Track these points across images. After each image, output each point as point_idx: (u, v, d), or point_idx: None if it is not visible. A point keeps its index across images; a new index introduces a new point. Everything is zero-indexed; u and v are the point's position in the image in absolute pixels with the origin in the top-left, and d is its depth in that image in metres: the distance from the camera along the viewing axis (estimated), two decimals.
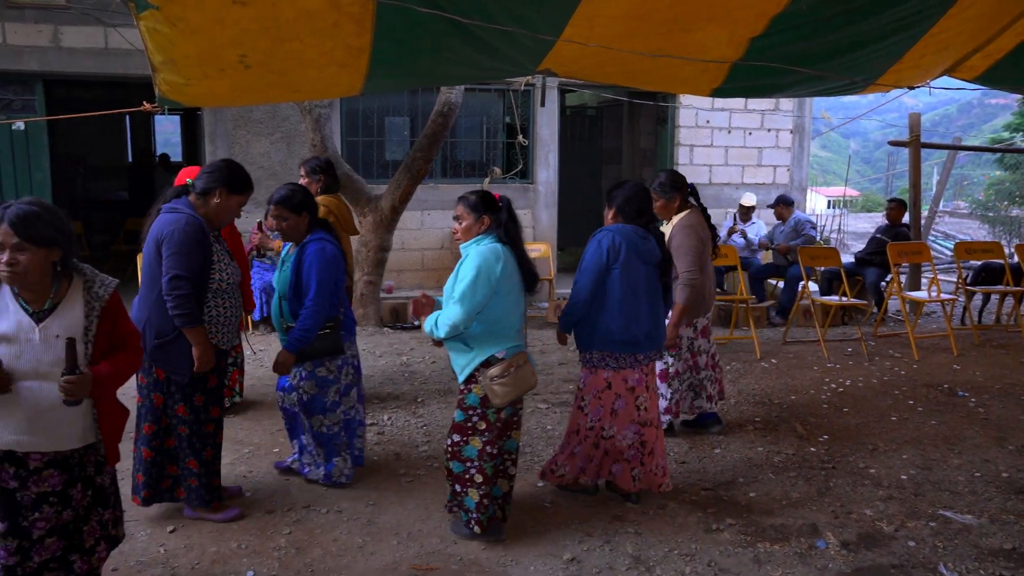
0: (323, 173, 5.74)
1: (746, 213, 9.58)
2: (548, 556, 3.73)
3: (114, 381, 2.90)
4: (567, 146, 11.56)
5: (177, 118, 17.43)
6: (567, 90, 11.31)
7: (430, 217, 10.34)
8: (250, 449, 5.02)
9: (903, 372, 7.02)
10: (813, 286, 8.67)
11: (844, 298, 8.18)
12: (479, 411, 3.75)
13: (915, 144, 9.57)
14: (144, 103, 4.92)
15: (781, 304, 8.99)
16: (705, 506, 4.27)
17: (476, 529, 3.79)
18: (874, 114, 14.61)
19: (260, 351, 6.89)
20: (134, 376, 3.51)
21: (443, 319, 3.65)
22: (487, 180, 10.40)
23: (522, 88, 10.33)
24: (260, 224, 5.92)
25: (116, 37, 9.07)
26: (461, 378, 3.76)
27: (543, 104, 9.83)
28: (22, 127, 9.26)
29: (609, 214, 4.25)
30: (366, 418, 4.87)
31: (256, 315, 8.42)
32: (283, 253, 4.42)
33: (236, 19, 3.48)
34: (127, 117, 16.22)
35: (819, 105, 12.00)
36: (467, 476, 3.78)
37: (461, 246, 3.80)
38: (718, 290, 8.96)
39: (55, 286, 2.81)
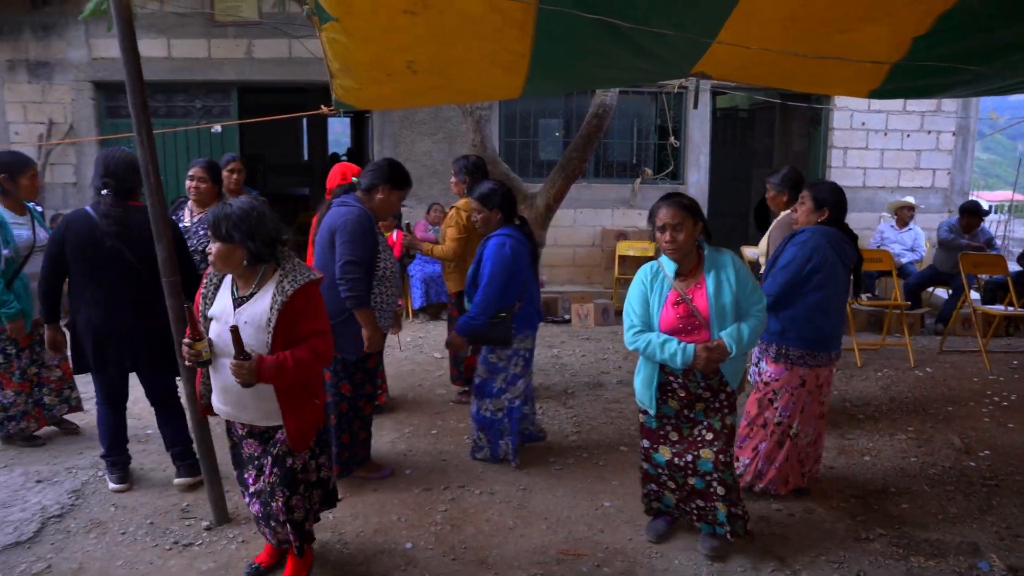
0: (470, 174, 5.57)
1: (903, 217, 8.91)
2: (692, 551, 3.59)
3: (278, 373, 2.90)
4: (717, 148, 11.19)
5: (347, 120, 18.16)
6: (719, 93, 10.95)
7: (582, 215, 10.27)
8: (410, 429, 5.13)
9: None
10: (975, 295, 7.96)
11: (1011, 308, 7.45)
12: (737, 412, 3.57)
13: None
14: (322, 106, 5.11)
15: (943, 312, 8.31)
16: (854, 514, 3.99)
17: (731, 539, 3.53)
18: None
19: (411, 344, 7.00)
20: None
21: (758, 326, 3.38)
22: (638, 180, 10.24)
23: (675, 91, 10.09)
24: (408, 225, 5.96)
25: (299, 48, 9.54)
26: (737, 381, 3.46)
27: (696, 106, 9.56)
28: (219, 130, 9.89)
29: (806, 210, 4.14)
30: (532, 409, 4.85)
31: (416, 303, 8.70)
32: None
33: (406, 27, 3.52)
34: (304, 119, 17.05)
35: (986, 105, 10.98)
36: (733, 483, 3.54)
37: (708, 254, 3.45)
38: (868, 295, 8.47)
39: (259, 276, 3.00)
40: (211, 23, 9.63)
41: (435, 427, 5.14)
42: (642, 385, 3.50)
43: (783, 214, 4.96)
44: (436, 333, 7.75)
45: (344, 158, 15.58)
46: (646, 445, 3.59)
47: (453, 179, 5.65)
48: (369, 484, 4.25)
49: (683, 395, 3.46)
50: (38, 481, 4.26)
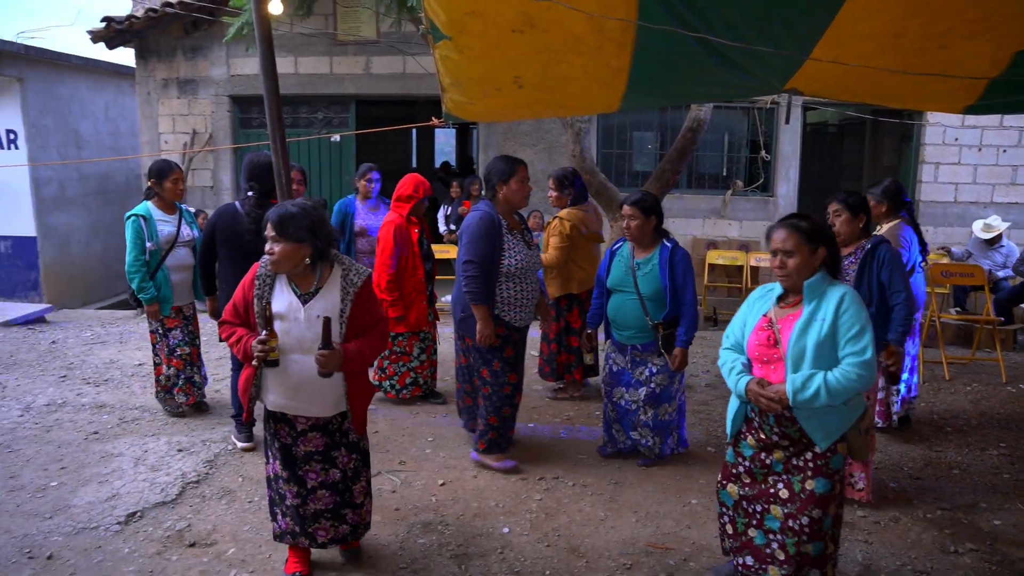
0: (572, 186, 5.60)
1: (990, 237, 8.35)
2: None
3: (360, 359, 3.03)
4: (807, 162, 10.89)
5: (453, 131, 18.50)
6: (810, 108, 10.65)
7: (674, 224, 10.17)
8: None
9: None
10: None
11: None
12: (841, 472, 2.93)
13: None
14: (433, 118, 5.29)
15: None
16: (941, 526, 3.84)
17: None
18: None
19: None
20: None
21: (845, 382, 2.71)
22: (729, 192, 10.09)
23: (767, 106, 9.89)
24: None
25: (412, 64, 9.81)
26: (827, 443, 2.84)
27: (787, 122, 9.33)
28: (338, 139, 10.29)
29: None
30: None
31: None
32: (618, 254, 4.43)
33: (514, 45, 3.61)
34: (413, 130, 17.46)
35: None
36: (826, 552, 2.91)
37: (812, 284, 2.87)
38: (957, 308, 8.08)
39: (318, 273, 3.04)
40: (334, 42, 10.03)
41: (531, 420, 5.22)
42: (729, 410, 3.12)
43: (886, 226, 4.91)
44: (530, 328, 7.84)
45: (454, 168, 15.86)
46: (719, 478, 3.16)
47: (553, 193, 5.63)
48: (470, 471, 4.37)
49: (761, 436, 2.97)
50: (179, 450, 4.57)
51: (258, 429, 4.54)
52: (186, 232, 5.08)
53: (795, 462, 2.90)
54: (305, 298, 3.01)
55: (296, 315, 2.98)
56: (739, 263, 9.93)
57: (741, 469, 3.04)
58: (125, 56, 10.94)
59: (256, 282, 3.02)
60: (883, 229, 4.90)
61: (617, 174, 10.04)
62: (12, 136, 10.44)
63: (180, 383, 5.14)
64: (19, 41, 10.15)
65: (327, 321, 2.90)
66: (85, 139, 11.52)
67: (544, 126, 9.98)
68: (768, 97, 9.32)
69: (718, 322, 9.69)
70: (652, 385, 4.30)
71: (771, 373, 2.89)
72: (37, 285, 10.81)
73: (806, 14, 3.36)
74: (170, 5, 9.73)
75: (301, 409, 3.09)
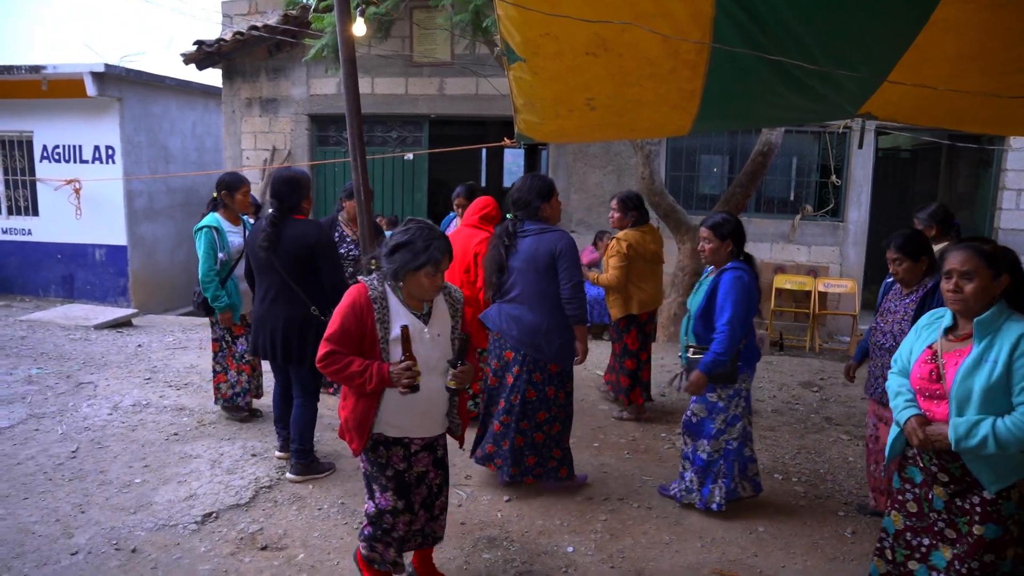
0: (636, 209, 5.59)
1: None
2: None
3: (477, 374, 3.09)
4: (879, 187, 10.59)
5: (521, 152, 18.58)
6: (883, 132, 10.37)
7: None
8: (574, 440, 4.97)
9: None
10: None
11: None
12: (1016, 516, 2.61)
13: None
14: (504, 139, 5.32)
15: None
16: None
17: None
18: None
19: None
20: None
21: (1018, 432, 2.42)
22: (798, 216, 9.88)
23: (839, 130, 9.66)
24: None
25: (485, 85, 9.93)
26: (998, 487, 2.56)
27: (860, 146, 9.10)
28: (411, 158, 10.47)
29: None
30: (752, 451, 4.14)
31: None
32: (702, 276, 4.16)
33: (588, 67, 3.62)
34: (484, 150, 17.63)
35: None
36: None
37: (984, 320, 2.58)
38: None
39: None
40: (410, 64, 10.24)
41: (597, 440, 5.17)
42: (890, 436, 2.87)
43: (936, 248, 4.76)
44: (597, 352, 7.77)
45: None
46: (889, 502, 2.93)
47: (616, 213, 5.62)
48: (534, 488, 4.34)
49: (921, 466, 2.76)
50: (253, 455, 4.68)
51: (345, 446, 4.61)
52: None
53: (959, 503, 2.63)
54: (423, 319, 2.96)
55: (421, 336, 2.92)
56: (807, 288, 9.70)
57: (909, 496, 2.80)
58: (212, 77, 11.38)
59: (375, 306, 2.88)
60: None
61: (685, 197, 9.95)
62: (110, 152, 10.95)
63: (248, 388, 5.28)
64: (121, 64, 10.67)
65: (467, 338, 2.95)
66: (173, 154, 11.99)
67: (614, 148, 9.95)
68: (841, 122, 9.11)
69: (784, 347, 9.46)
70: (689, 413, 4.04)
71: (934, 408, 2.65)
72: (126, 291, 11.27)
73: (883, 37, 3.28)
74: (256, 28, 10.09)
75: (421, 429, 3.02)
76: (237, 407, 5.31)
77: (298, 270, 4.21)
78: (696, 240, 7.92)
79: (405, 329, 2.84)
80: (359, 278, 2.97)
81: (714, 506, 3.96)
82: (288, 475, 4.39)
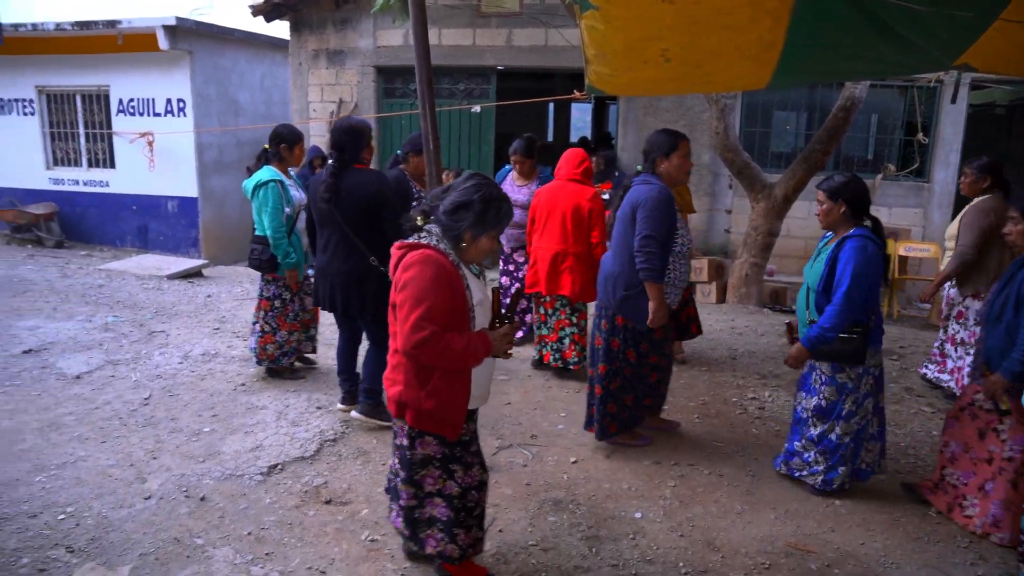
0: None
1: None
2: (932, 569, 3.24)
3: None
4: (969, 146, 10.00)
5: (589, 106, 18.24)
6: (977, 87, 9.71)
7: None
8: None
9: None
10: None
11: None
12: None
13: None
14: (575, 91, 5.16)
15: None
16: None
17: None
18: None
19: None
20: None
21: None
22: (879, 176, 9.41)
23: (929, 84, 9.10)
24: None
25: (554, 36, 9.68)
26: None
27: (954, 101, 8.55)
28: (478, 111, 10.34)
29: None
30: (870, 427, 3.81)
31: None
32: (820, 244, 3.89)
33: (662, 16, 3.44)
34: (551, 103, 17.36)
35: None
36: None
37: None
38: None
39: None
40: (477, 14, 10.04)
41: (666, 403, 5.05)
42: None
43: (979, 199, 4.97)
44: None
45: (592, 143, 15.68)
46: None
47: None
48: (603, 450, 4.28)
49: None
50: (318, 408, 4.74)
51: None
52: (303, 196, 5.12)
53: None
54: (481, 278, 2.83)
55: (486, 296, 2.77)
56: (887, 250, 9.26)
57: None
58: (280, 29, 11.40)
59: (460, 272, 2.64)
60: (974, 203, 5.02)
61: (759, 154, 9.59)
62: (181, 104, 11.13)
63: (296, 348, 5.26)
64: (191, 17, 10.78)
65: (520, 291, 2.85)
66: (242, 107, 12.13)
67: (686, 102, 9.63)
68: (932, 75, 8.58)
69: None
70: (819, 398, 3.74)
71: None
72: (196, 242, 11.55)
73: None
74: None
75: (484, 399, 2.88)
76: (281, 367, 5.26)
77: (358, 221, 4.20)
78: (771, 199, 7.71)
79: (496, 292, 2.72)
80: (419, 240, 2.67)
81: (836, 487, 3.75)
82: (354, 413, 4.48)
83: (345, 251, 4.28)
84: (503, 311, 2.77)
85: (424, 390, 2.66)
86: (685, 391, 5.28)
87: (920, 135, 9.16)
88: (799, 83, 8.71)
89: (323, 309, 4.48)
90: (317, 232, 4.46)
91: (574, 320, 5.34)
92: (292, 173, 5.22)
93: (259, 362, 5.24)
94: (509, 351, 2.68)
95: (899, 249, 9.19)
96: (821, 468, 3.78)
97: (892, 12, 3.15)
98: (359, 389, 4.52)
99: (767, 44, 3.71)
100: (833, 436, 3.72)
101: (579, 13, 3.44)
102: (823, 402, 3.73)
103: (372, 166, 4.42)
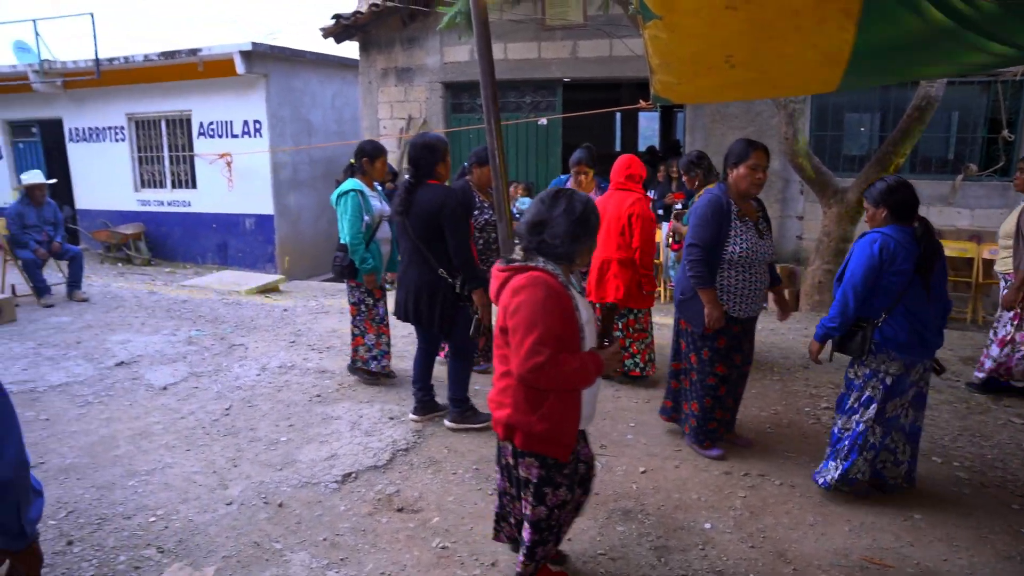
0: (698, 167, 5.65)
1: None
2: None
3: None
4: None
5: (656, 114, 18.12)
6: None
7: None
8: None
9: None
10: None
11: None
12: None
13: None
14: (640, 101, 5.16)
15: None
16: None
17: None
18: None
19: None
20: None
21: None
22: (960, 177, 9.06)
23: (1015, 78, 8.72)
24: (678, 213, 5.98)
25: (619, 46, 9.69)
26: None
27: None
28: (545, 123, 10.41)
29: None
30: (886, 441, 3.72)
31: None
32: None
33: (727, 22, 3.43)
34: (617, 113, 17.31)
35: None
36: None
37: None
38: None
39: None
40: (541, 28, 10.14)
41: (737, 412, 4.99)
42: None
43: None
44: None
45: (660, 152, 15.58)
46: None
47: (686, 177, 5.78)
48: (672, 460, 4.25)
49: None
50: (391, 418, 4.85)
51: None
52: (386, 208, 5.35)
53: None
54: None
55: (593, 314, 2.76)
56: (968, 255, 8.90)
57: None
58: (349, 49, 11.74)
59: (569, 292, 2.61)
60: None
61: (830, 157, 9.36)
62: (257, 126, 11.56)
63: (385, 352, 5.45)
64: (266, 42, 11.21)
65: (611, 308, 2.85)
66: (314, 126, 12.51)
67: (754, 107, 9.50)
68: (1018, 68, 8.22)
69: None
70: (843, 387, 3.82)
71: None
72: (273, 258, 11.94)
73: None
74: None
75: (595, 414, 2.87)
76: (371, 372, 5.48)
77: (428, 234, 4.33)
78: (844, 204, 7.53)
79: (608, 309, 2.71)
80: (523, 263, 2.63)
81: (822, 481, 3.78)
82: (445, 423, 4.66)
83: (418, 263, 4.44)
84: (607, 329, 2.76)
85: (536, 414, 2.62)
86: (757, 400, 5.19)
87: (1005, 132, 8.77)
88: (872, 84, 8.46)
89: (399, 319, 4.62)
90: (399, 244, 4.70)
91: (638, 327, 5.35)
92: (379, 188, 5.45)
93: (352, 363, 5.51)
94: (620, 369, 2.65)
95: (982, 252, 8.83)
96: (828, 458, 3.84)
97: (970, 7, 3.06)
98: (448, 398, 4.69)
99: (837, 45, 3.65)
100: (835, 429, 3.79)
101: (642, 23, 3.45)
102: (840, 391, 3.84)
103: (447, 181, 4.58)
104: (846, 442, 3.71)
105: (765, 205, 4.34)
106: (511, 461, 2.81)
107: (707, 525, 3.56)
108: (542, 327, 2.47)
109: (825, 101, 9.41)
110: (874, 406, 3.61)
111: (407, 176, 4.47)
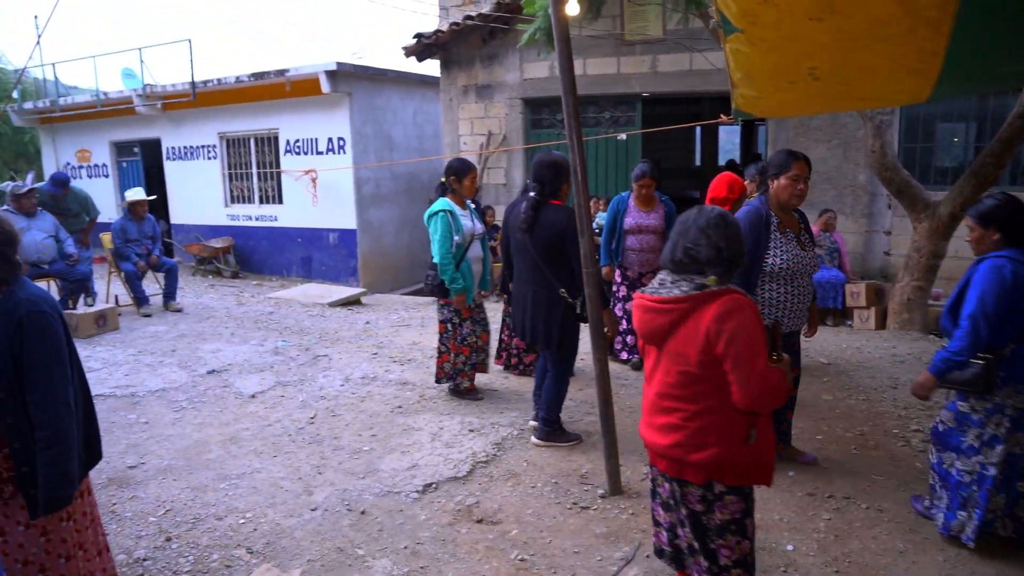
0: (760, 174, 5.52)
1: None
2: None
3: None
4: None
5: (737, 128, 17.85)
6: None
7: None
8: (795, 431, 4.65)
9: None
10: None
11: None
12: None
13: None
14: (721, 115, 5.13)
15: None
16: None
17: None
18: None
19: None
20: None
21: None
22: None
23: None
24: None
25: (699, 60, 9.62)
26: None
27: None
28: (624, 138, 10.41)
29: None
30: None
31: None
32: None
33: (809, 34, 3.39)
34: (697, 127, 17.14)
35: None
36: None
37: None
38: None
39: None
40: (621, 43, 10.16)
41: (820, 432, 4.87)
42: None
43: None
44: (821, 337, 7.33)
45: (740, 165, 15.37)
46: None
47: (751, 184, 5.66)
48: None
49: None
50: (471, 430, 4.93)
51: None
52: (478, 226, 5.41)
53: None
54: None
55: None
56: None
57: None
58: (430, 67, 12.00)
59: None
60: None
61: (921, 170, 9.04)
62: (341, 143, 11.95)
63: (466, 368, 5.50)
64: (350, 62, 11.60)
65: (777, 323, 2.83)
66: (396, 143, 12.84)
67: (840, 120, 9.27)
68: None
69: None
70: (937, 419, 3.55)
71: None
72: (355, 272, 12.28)
73: None
74: (471, 17, 10.49)
75: None
76: (459, 389, 5.57)
77: (549, 253, 4.39)
78: (935, 218, 7.26)
79: (777, 325, 2.68)
80: (731, 287, 2.51)
81: (964, 538, 3.39)
82: (533, 439, 4.72)
83: (536, 281, 4.50)
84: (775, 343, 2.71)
85: (747, 444, 2.50)
86: (841, 421, 5.05)
87: None
88: (965, 92, 8.16)
89: (520, 339, 4.70)
90: (514, 261, 4.72)
91: None
92: (468, 203, 5.50)
93: (438, 380, 5.61)
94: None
95: None
96: (943, 504, 3.49)
97: None
98: (539, 417, 4.73)
99: (927, 54, 3.55)
100: (954, 471, 3.43)
101: (723, 36, 3.45)
102: (939, 426, 3.51)
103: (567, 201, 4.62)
104: (975, 488, 3.37)
105: (817, 218, 4.26)
106: (699, 508, 2.57)
107: (789, 547, 3.48)
108: (762, 350, 2.40)
109: (916, 111, 9.12)
110: (1002, 447, 3.29)
111: (532, 194, 4.49)
